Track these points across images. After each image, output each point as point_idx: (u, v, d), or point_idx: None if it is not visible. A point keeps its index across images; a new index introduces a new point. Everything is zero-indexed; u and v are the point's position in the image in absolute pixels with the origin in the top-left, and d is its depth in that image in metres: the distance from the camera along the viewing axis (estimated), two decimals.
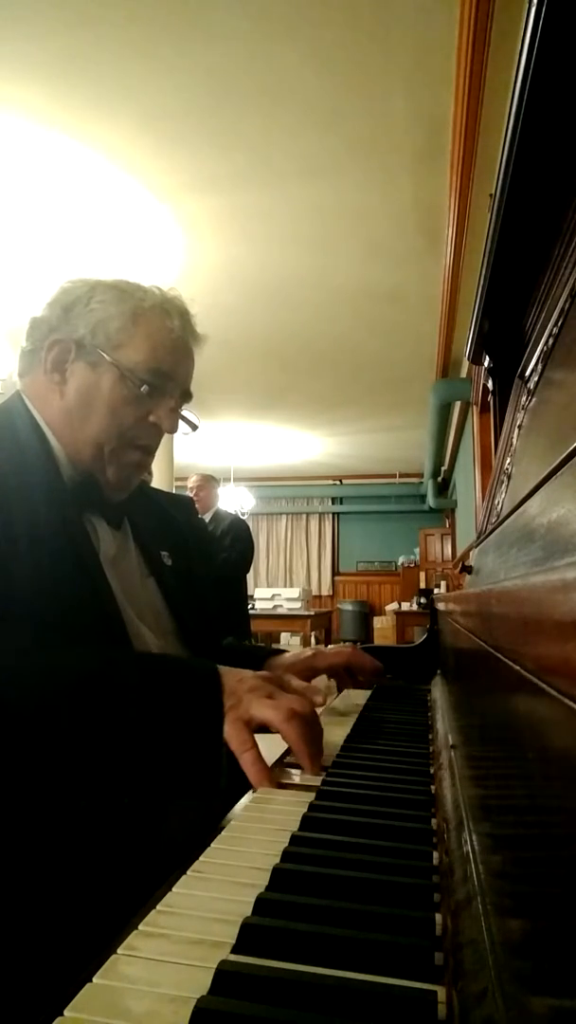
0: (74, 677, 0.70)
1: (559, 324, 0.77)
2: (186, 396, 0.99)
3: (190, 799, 0.72)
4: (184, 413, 1.00)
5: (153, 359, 0.92)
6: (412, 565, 10.57)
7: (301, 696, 0.75)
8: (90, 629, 0.81)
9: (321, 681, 1.12)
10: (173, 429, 0.97)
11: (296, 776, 0.71)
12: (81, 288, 0.93)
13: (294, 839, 0.52)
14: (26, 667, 0.69)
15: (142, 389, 0.91)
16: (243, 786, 0.68)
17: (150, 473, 1.04)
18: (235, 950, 0.38)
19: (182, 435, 1.02)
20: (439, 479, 9.17)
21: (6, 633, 0.73)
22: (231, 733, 0.68)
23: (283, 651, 1.15)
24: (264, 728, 0.71)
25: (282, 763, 0.76)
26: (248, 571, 4.50)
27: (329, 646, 1.12)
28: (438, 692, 1.21)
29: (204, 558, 1.28)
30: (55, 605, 0.77)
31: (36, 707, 0.67)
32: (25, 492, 0.81)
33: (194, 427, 1.02)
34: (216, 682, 0.72)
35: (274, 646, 1.24)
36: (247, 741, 0.68)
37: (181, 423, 1.00)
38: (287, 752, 0.78)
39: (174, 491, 3.89)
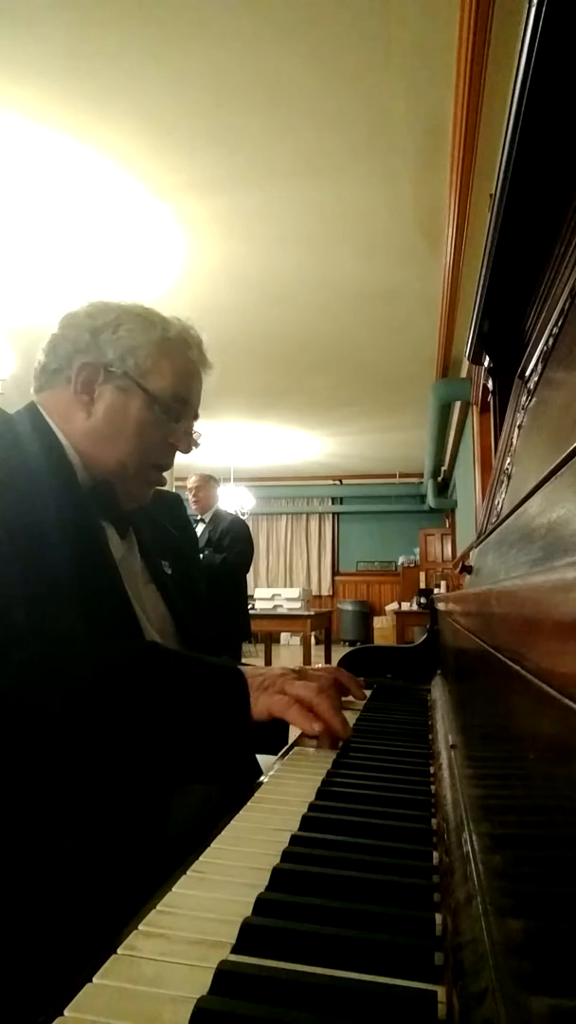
0: (123, 657, 0.78)
1: (559, 324, 0.77)
2: (195, 417, 1.06)
3: (203, 782, 0.81)
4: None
5: (176, 387, 0.98)
6: (412, 565, 10.57)
7: (323, 676, 0.87)
8: (111, 623, 0.85)
9: None
10: (189, 450, 1.04)
11: (311, 750, 0.81)
12: (108, 315, 0.98)
13: (294, 839, 0.52)
14: (83, 650, 0.76)
15: (165, 415, 0.98)
16: (245, 782, 0.68)
17: (165, 480, 1.10)
18: (235, 950, 0.38)
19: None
20: (439, 479, 9.17)
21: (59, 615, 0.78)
22: (271, 702, 0.78)
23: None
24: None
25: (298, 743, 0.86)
26: (248, 571, 4.50)
27: (317, 665, 1.18)
28: (438, 692, 1.21)
29: (196, 559, 1.35)
30: (80, 597, 0.81)
31: (91, 682, 0.73)
32: (52, 496, 0.86)
33: (196, 444, 1.09)
34: (239, 673, 0.81)
35: (274, 662, 1.29)
36: (289, 702, 0.78)
37: None
38: (295, 743, 0.85)
39: (174, 491, 3.88)
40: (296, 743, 0.85)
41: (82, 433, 0.95)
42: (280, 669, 0.85)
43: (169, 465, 1.04)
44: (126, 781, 0.74)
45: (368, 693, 1.25)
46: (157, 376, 0.97)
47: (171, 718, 0.75)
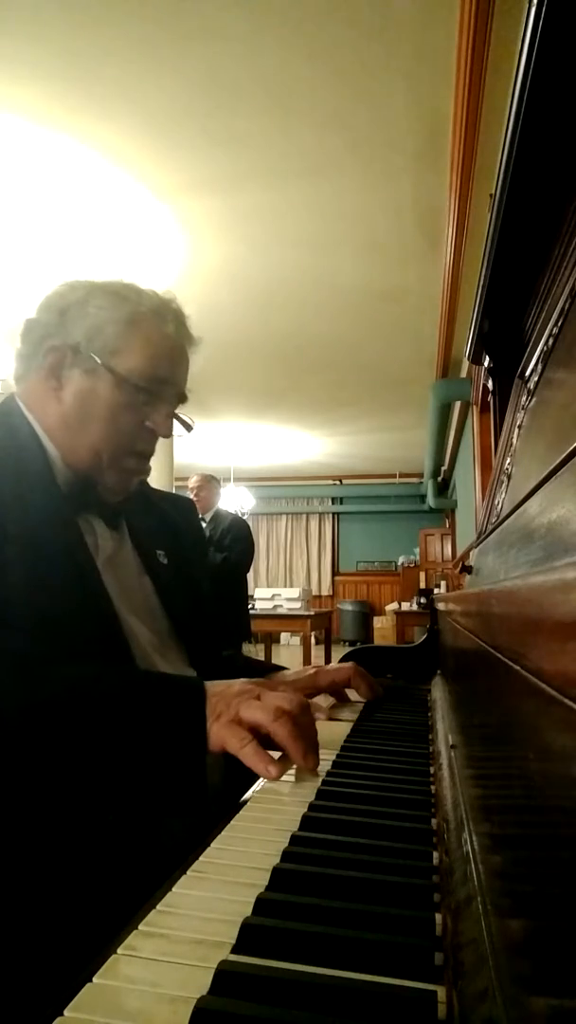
0: (59, 689, 0.69)
1: (559, 324, 0.77)
2: (181, 399, 0.98)
3: (177, 816, 0.70)
4: (178, 414, 0.99)
5: (150, 365, 0.91)
6: (412, 565, 10.57)
7: (289, 693, 0.73)
8: (87, 630, 0.81)
9: (321, 699, 1.13)
10: (168, 434, 0.96)
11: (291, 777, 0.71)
12: (77, 292, 0.92)
13: (294, 839, 0.52)
14: (15, 680, 0.69)
15: (139, 396, 0.90)
16: (239, 789, 0.68)
17: (148, 470, 1.03)
18: (235, 950, 0.38)
19: (177, 436, 1.00)
20: (439, 479, 9.17)
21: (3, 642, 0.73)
22: (225, 734, 0.67)
23: (284, 668, 1.15)
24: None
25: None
26: (248, 571, 4.50)
27: (330, 664, 1.12)
28: (438, 692, 1.20)
29: (201, 557, 1.28)
30: (52, 606, 0.77)
31: (18, 722, 0.66)
32: (21, 494, 0.81)
33: (188, 428, 1.01)
34: (199, 692, 0.71)
35: (275, 662, 1.24)
36: (244, 737, 0.67)
37: (176, 424, 0.99)
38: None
39: (174, 491, 3.88)
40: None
41: (55, 422, 0.89)
42: (241, 685, 0.73)
43: (150, 452, 0.97)
44: (105, 801, 0.70)
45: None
46: (127, 355, 0.90)
47: (113, 754, 0.67)
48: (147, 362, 0.91)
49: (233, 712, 0.69)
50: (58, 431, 0.90)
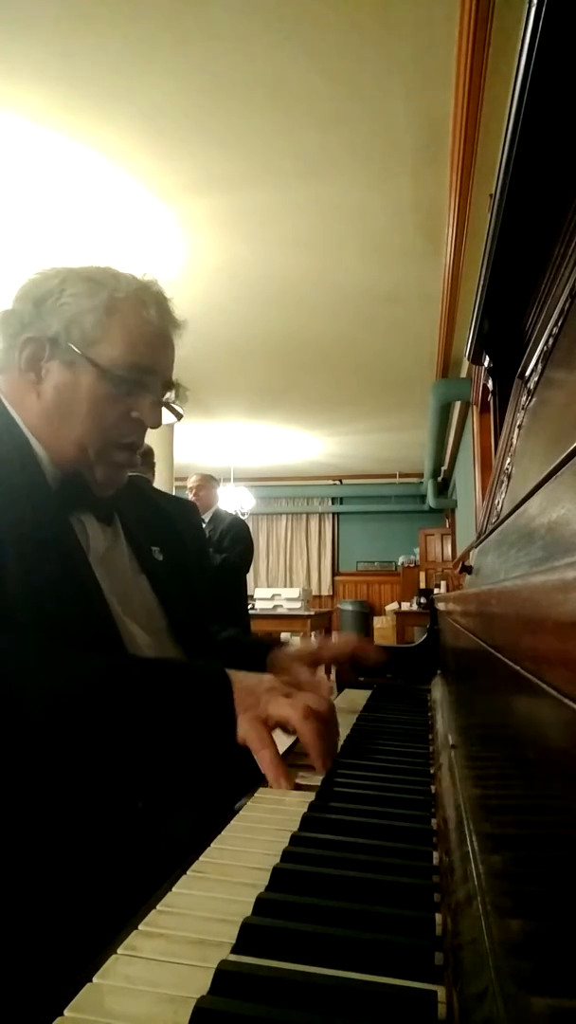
0: (77, 682, 0.70)
1: (559, 324, 0.77)
2: (168, 386, 0.95)
3: (202, 804, 0.72)
4: (167, 403, 0.96)
5: (131, 354, 0.88)
6: (412, 565, 10.56)
7: (318, 694, 0.75)
8: (80, 629, 0.79)
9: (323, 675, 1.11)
10: (157, 424, 0.93)
11: (304, 778, 0.71)
12: (52, 280, 0.89)
13: (294, 839, 0.52)
14: (30, 676, 0.69)
15: (122, 387, 0.88)
16: (243, 787, 0.68)
17: (152, 471, 1.02)
18: (235, 950, 0.38)
19: (166, 423, 0.97)
20: (439, 479, 9.17)
21: (7, 641, 0.72)
22: (249, 732, 0.68)
23: (285, 643, 1.14)
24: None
25: (288, 759, 0.76)
26: (248, 571, 4.50)
27: (333, 639, 1.10)
28: (438, 692, 1.21)
29: (203, 560, 1.25)
30: (44, 606, 0.76)
31: (41, 714, 0.67)
32: (7, 493, 0.79)
33: (178, 416, 0.98)
34: (225, 681, 0.72)
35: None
36: (265, 739, 0.68)
37: (166, 413, 0.96)
38: (291, 748, 0.79)
39: (174, 491, 3.87)
40: (291, 746, 0.83)
41: (37, 417, 0.87)
42: (271, 680, 0.74)
43: (139, 444, 0.93)
44: (132, 791, 0.72)
45: (369, 693, 1.25)
46: (107, 345, 0.86)
47: (143, 740, 0.68)
48: (129, 351, 0.88)
49: (262, 708, 0.70)
50: (40, 426, 0.87)
